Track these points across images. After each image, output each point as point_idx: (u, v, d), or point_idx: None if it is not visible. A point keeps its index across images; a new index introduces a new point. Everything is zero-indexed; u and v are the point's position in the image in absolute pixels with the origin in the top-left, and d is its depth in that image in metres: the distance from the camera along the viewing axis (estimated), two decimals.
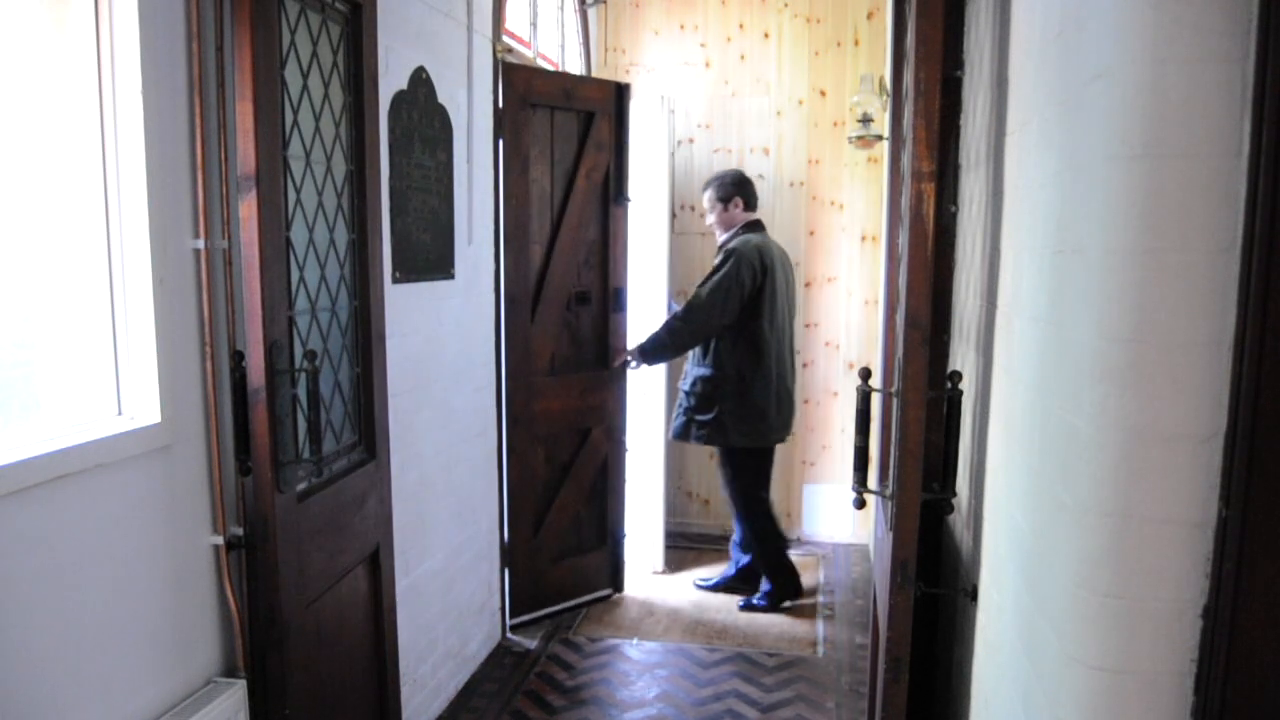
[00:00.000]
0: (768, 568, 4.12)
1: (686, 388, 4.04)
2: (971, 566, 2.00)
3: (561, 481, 3.98)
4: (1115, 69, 1.12)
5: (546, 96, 3.73)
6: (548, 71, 4.01)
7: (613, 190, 4.01)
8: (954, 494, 2.03)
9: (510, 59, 3.64)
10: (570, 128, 3.85)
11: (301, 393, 2.05)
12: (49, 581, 1.58)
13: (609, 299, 4.06)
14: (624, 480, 4.27)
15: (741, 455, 4.00)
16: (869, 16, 4.70)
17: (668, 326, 3.94)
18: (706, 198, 4.07)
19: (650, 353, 3.99)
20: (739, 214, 4.01)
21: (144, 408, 1.81)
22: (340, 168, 2.28)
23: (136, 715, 1.79)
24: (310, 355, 2.05)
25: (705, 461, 4.95)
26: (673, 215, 4.74)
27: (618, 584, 4.27)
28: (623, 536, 4.26)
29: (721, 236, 4.05)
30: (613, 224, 4.03)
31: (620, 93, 3.97)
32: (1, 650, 1.49)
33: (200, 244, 1.90)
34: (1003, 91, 1.84)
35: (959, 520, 2.19)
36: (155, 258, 1.79)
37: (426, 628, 3.05)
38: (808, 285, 4.90)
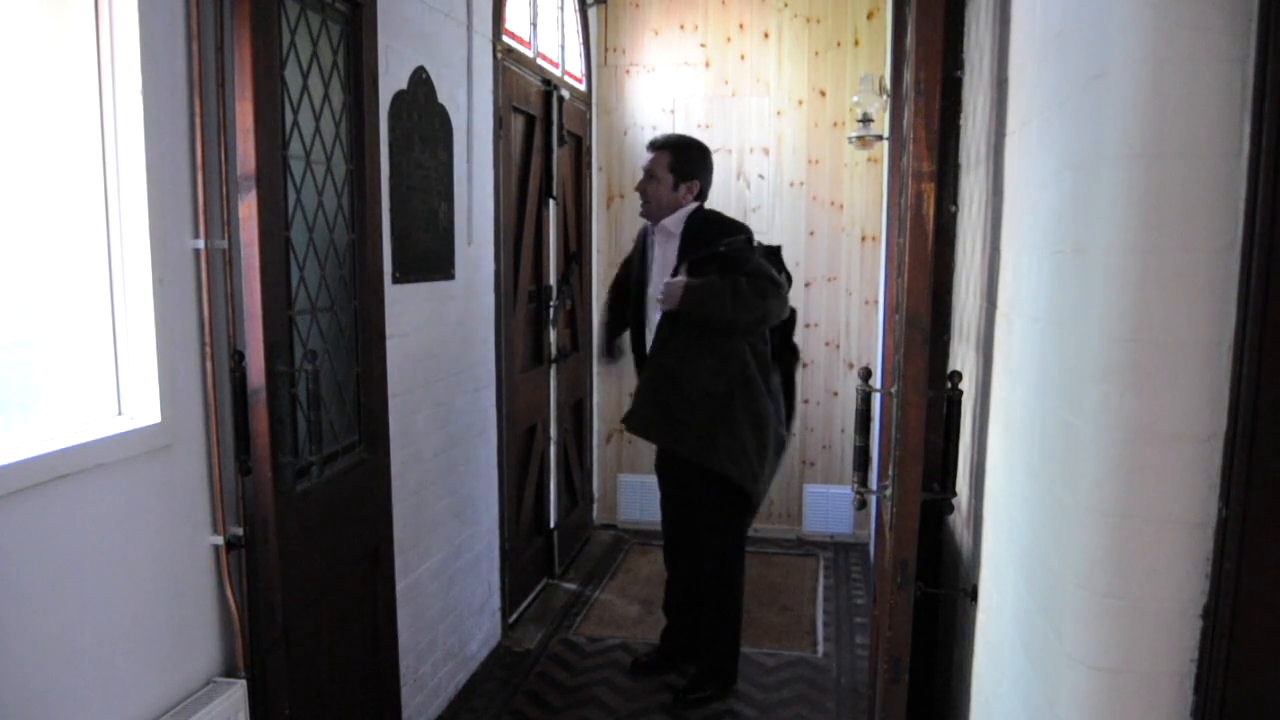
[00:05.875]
0: None
1: None
2: (971, 566, 2.00)
3: (524, 477, 4.07)
4: (1115, 69, 1.12)
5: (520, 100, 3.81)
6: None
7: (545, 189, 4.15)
8: (954, 494, 2.03)
9: (510, 59, 3.64)
10: (521, 127, 3.92)
11: (301, 393, 2.05)
12: (49, 581, 1.58)
13: (541, 296, 4.19)
14: (550, 474, 4.40)
15: None
16: (869, 16, 4.71)
17: None
18: (665, 162, 3.16)
19: None
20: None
21: (144, 408, 1.81)
22: (340, 168, 2.28)
23: (136, 715, 1.79)
24: (310, 355, 2.05)
25: None
26: None
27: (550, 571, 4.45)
28: (551, 528, 4.42)
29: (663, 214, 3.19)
30: (543, 223, 4.15)
31: (549, 98, 4.08)
32: (1, 650, 1.49)
33: (200, 244, 1.90)
34: (1003, 91, 1.84)
35: (959, 520, 2.19)
36: (155, 257, 1.79)
37: (426, 628, 3.05)
38: (807, 285, 4.89)
